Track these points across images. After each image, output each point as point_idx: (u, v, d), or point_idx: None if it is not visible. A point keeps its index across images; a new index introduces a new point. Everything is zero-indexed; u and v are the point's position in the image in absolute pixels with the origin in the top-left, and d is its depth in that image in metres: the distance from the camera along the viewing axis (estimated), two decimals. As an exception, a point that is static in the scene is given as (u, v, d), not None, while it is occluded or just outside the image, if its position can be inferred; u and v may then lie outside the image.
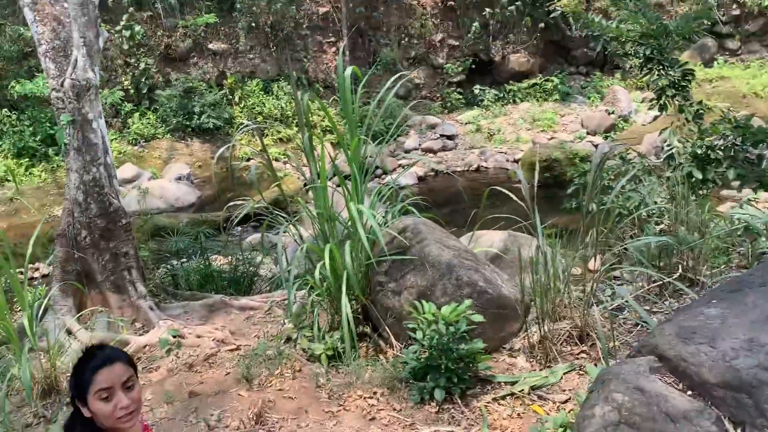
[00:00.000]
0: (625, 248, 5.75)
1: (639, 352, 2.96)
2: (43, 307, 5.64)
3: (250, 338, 5.99)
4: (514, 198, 5.17)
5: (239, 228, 12.88)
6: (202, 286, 7.80)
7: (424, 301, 4.56)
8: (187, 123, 16.22)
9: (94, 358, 1.95)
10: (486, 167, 15.70)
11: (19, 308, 6.33)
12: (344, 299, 5.00)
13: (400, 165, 15.08)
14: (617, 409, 2.65)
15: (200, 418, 4.43)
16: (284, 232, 5.67)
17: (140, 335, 6.19)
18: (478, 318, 4.40)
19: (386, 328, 5.21)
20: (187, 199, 13.90)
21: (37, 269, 10.33)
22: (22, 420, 4.54)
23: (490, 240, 7.29)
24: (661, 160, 7.30)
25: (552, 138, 16.68)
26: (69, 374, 4.94)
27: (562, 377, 4.46)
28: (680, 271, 5.49)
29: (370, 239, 5.27)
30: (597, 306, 4.77)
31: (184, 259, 8.35)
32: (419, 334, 4.52)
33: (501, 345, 4.97)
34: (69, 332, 6.00)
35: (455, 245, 5.29)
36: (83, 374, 1.93)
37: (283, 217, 6.00)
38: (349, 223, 5.31)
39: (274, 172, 6.10)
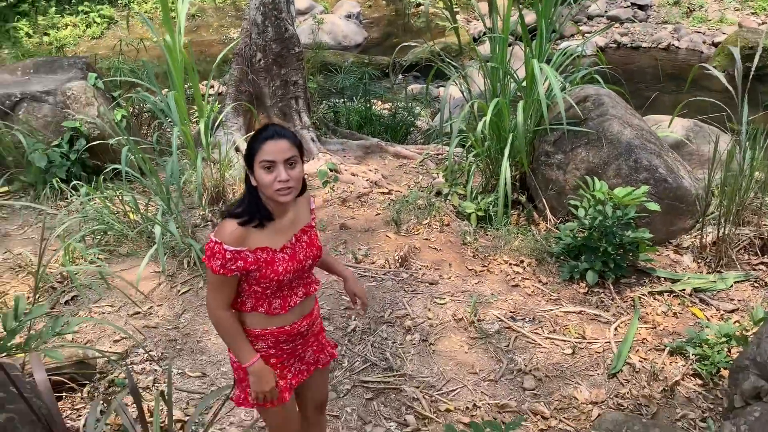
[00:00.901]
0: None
1: None
2: (217, 122, 5.93)
3: (401, 185, 6.01)
4: (724, 82, 4.48)
5: (401, 76, 12.71)
6: (361, 128, 7.85)
7: (596, 178, 4.23)
8: (363, -41, 15.70)
9: (266, 131, 2.00)
10: (677, 47, 14.01)
11: (195, 119, 6.73)
12: (505, 162, 4.77)
13: (579, 32, 13.87)
14: (814, 333, 2.32)
15: (349, 250, 4.57)
16: (452, 84, 5.40)
17: (299, 163, 6.41)
18: (654, 207, 4.03)
19: (543, 200, 4.97)
20: (355, 39, 13.80)
21: (212, 86, 10.89)
22: (192, 220, 4.93)
23: (671, 127, 6.59)
24: None
25: (763, 23, 14.42)
26: (235, 186, 5.29)
27: (732, 285, 4.07)
28: None
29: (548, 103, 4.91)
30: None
31: (347, 98, 8.39)
32: (581, 212, 4.26)
33: (667, 239, 4.59)
34: (237, 149, 6.33)
35: (639, 124, 4.79)
36: (254, 143, 2.00)
37: (454, 66, 5.71)
38: (524, 82, 4.93)
39: (453, 14, 5.69)
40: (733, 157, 4.36)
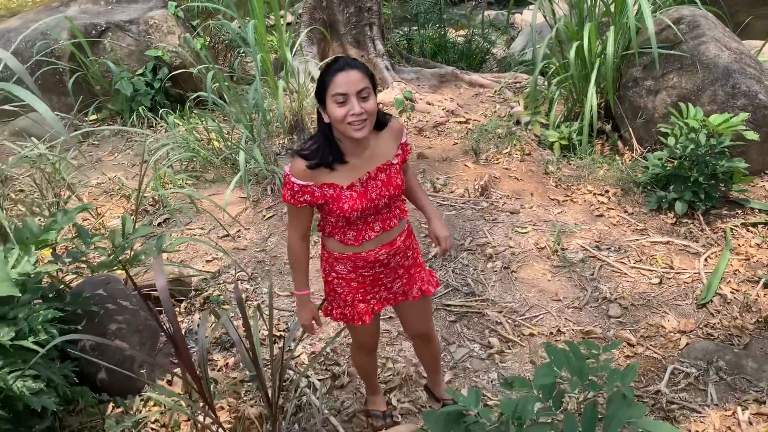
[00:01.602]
0: None
1: None
2: (293, 51, 5.92)
3: (477, 115, 5.91)
4: None
5: (474, 1, 12.30)
6: (435, 55, 7.71)
7: (689, 105, 4.03)
8: None
9: (336, 63, 1.95)
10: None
11: (270, 48, 6.74)
12: (591, 89, 4.60)
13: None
14: None
15: (427, 179, 4.57)
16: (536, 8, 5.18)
17: (374, 92, 6.37)
18: (752, 135, 3.82)
19: (629, 128, 4.79)
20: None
21: (282, 17, 10.85)
22: (273, 148, 5.02)
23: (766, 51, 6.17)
24: None
25: None
26: (313, 114, 5.33)
27: (833, 218, 3.87)
28: None
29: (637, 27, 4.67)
30: None
31: (421, 25, 8.20)
32: (671, 140, 4.09)
33: (763, 170, 4.37)
34: (312, 78, 6.33)
35: (737, 48, 4.50)
36: (325, 76, 1.96)
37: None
38: (612, 3, 4.68)
39: None
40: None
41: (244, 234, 4.12)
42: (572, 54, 4.61)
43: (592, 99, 4.59)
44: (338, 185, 2.03)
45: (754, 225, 3.92)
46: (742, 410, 2.67)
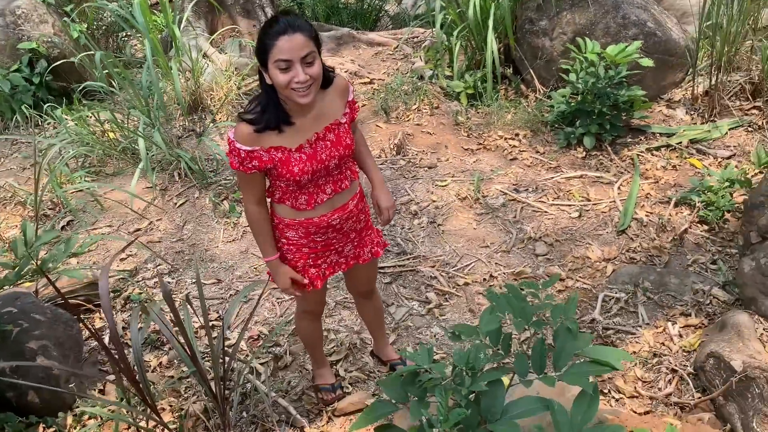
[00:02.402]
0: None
1: None
2: (180, 28, 5.61)
3: (380, 74, 5.83)
4: None
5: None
6: (328, 18, 7.53)
7: (586, 39, 4.12)
8: None
9: (277, 24, 1.80)
10: None
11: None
12: (490, 34, 4.62)
13: None
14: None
15: (340, 145, 4.48)
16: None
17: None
18: (648, 62, 3.96)
19: (530, 70, 4.86)
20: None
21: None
22: (173, 131, 4.76)
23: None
24: None
25: None
26: (212, 92, 5.08)
27: (727, 133, 4.10)
28: None
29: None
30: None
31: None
32: (572, 77, 4.18)
33: (659, 95, 4.56)
34: (204, 55, 6.04)
35: (623, -20, 4.62)
36: (265, 39, 1.82)
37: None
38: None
39: None
40: (719, 4, 4.27)
41: (157, 225, 3.90)
42: (471, 4, 4.59)
43: (492, 45, 4.61)
44: (286, 148, 1.95)
45: (657, 149, 4.09)
46: (672, 325, 2.80)
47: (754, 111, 4.24)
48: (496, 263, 3.33)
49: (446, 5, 5.08)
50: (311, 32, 1.83)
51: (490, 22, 4.63)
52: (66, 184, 4.20)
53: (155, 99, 4.41)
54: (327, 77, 1.98)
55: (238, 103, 5.09)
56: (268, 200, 2.14)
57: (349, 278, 2.45)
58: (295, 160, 1.97)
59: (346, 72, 5.75)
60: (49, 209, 4.07)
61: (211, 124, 4.75)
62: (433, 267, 3.33)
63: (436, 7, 4.80)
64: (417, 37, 6.59)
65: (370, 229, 2.31)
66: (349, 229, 2.19)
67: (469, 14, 4.68)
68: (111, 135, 4.54)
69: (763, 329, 2.38)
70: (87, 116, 4.79)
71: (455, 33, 5.02)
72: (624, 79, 4.06)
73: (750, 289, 2.48)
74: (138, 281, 3.46)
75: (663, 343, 2.70)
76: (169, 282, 3.44)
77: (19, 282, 2.60)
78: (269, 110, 1.92)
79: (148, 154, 4.10)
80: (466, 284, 3.21)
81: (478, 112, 4.69)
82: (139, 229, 3.86)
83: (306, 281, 2.17)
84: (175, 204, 4.05)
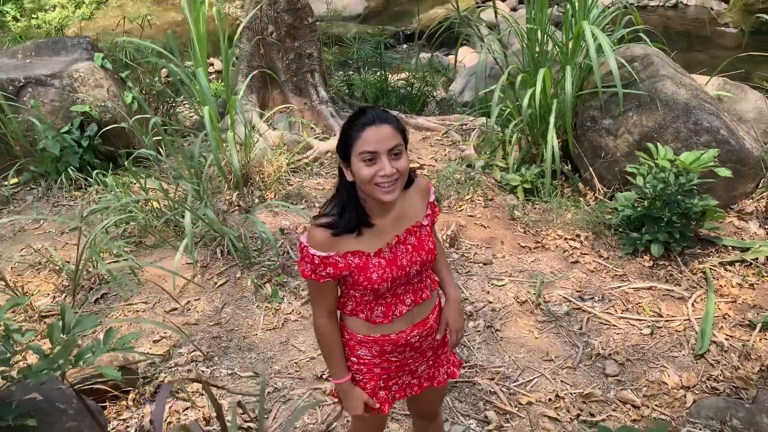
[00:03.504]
0: None
1: None
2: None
3: (428, 159, 5.70)
4: None
5: (405, 45, 12.33)
6: (377, 100, 7.51)
7: (659, 144, 3.94)
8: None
9: (364, 115, 1.68)
10: (686, 4, 13.65)
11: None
12: (551, 130, 4.47)
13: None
14: None
15: (390, 232, 4.29)
16: (487, 50, 5.06)
17: (320, 140, 6.09)
18: (725, 172, 3.74)
19: (590, 168, 4.68)
20: (355, 9, 13.34)
21: (212, 65, 10.49)
22: (219, 206, 4.63)
23: (706, 86, 6.30)
24: None
25: (773, -23, 14.03)
26: (262, 168, 4.97)
27: (807, 252, 3.82)
28: None
29: (588, 66, 4.61)
30: None
31: (360, 70, 8.04)
32: (639, 180, 3.98)
33: (728, 205, 4.32)
34: (254, 128, 6.00)
35: (691, 84, 4.49)
36: (350, 131, 1.68)
37: (477, 34, 5.39)
38: (569, 44, 4.61)
39: None
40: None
41: (195, 306, 3.69)
42: (526, 100, 4.47)
43: (552, 140, 4.45)
44: (364, 252, 1.76)
45: (731, 263, 3.82)
46: (769, 475, 2.46)
47: (836, 230, 3.98)
48: (561, 381, 3.03)
49: (503, 96, 4.98)
50: (399, 125, 1.69)
51: (551, 118, 4.49)
52: (104, 253, 4.03)
53: (204, 171, 4.30)
54: (409, 176, 1.81)
55: (286, 180, 4.96)
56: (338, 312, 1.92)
57: (417, 401, 2.18)
58: (374, 266, 1.77)
59: (395, 155, 5.63)
60: (85, 279, 3.89)
61: (258, 202, 4.61)
62: (492, 380, 3.04)
63: (494, 98, 4.69)
64: (465, 125, 6.51)
65: (446, 345, 2.06)
66: (426, 347, 1.95)
67: (524, 108, 4.55)
68: (155, 204, 4.41)
69: None
70: (131, 183, 4.69)
71: (511, 125, 4.89)
72: (694, 187, 3.85)
73: None
74: (171, 367, 3.21)
75: (764, 500, 2.36)
76: (202, 372, 3.20)
77: (59, 372, 2.37)
78: (348, 210, 1.74)
79: (193, 228, 3.94)
80: (530, 403, 2.90)
81: (535, 208, 4.49)
82: (175, 309, 3.65)
83: (377, 406, 1.92)
84: (215, 283, 3.85)
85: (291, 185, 4.99)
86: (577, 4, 4.53)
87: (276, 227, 4.36)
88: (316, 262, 1.74)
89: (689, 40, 11.72)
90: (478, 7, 12.83)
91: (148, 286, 3.81)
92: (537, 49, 4.72)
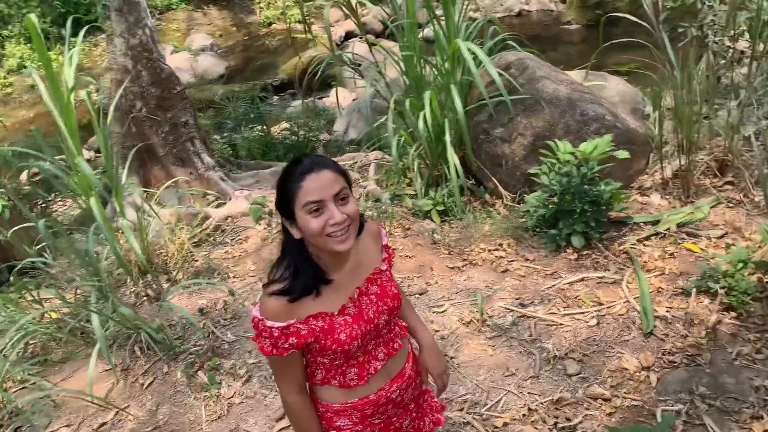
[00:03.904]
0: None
1: None
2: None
3: (331, 203, 5.59)
4: (634, 19, 4.40)
5: (276, 97, 12.27)
6: (264, 155, 7.35)
7: (556, 141, 4.04)
8: (202, -11, 15.05)
9: (300, 164, 1.54)
10: (529, 10, 14.55)
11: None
12: (450, 149, 4.50)
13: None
14: None
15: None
16: (370, 86, 5.06)
17: (215, 207, 5.82)
18: (623, 154, 3.90)
19: (492, 178, 4.75)
20: (216, 71, 13.13)
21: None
22: (125, 300, 4.26)
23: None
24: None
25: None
26: (159, 250, 4.65)
27: (709, 212, 4.03)
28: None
29: (465, 82, 4.71)
30: (738, 132, 4.23)
31: (240, 129, 7.86)
32: (545, 179, 4.07)
33: (628, 185, 4.51)
34: (140, 210, 5.64)
35: (567, 79, 4.70)
36: (288, 183, 1.53)
37: (355, 70, 5.41)
38: (445, 64, 4.69)
39: (309, 25, 5.33)
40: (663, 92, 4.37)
41: (125, 416, 3.32)
42: (421, 123, 4.49)
43: (453, 159, 4.48)
44: (327, 313, 1.60)
45: (647, 238, 3.96)
46: (750, 433, 2.50)
47: (728, 186, 4.23)
48: (528, 393, 2.97)
49: (396, 127, 4.98)
50: (338, 168, 1.57)
51: (447, 138, 4.52)
52: (7, 381, 3.58)
53: (102, 266, 3.94)
54: (359, 222, 1.69)
55: (191, 257, 4.67)
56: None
57: None
58: (340, 326, 1.62)
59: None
60: (-11, 417, 3.42)
61: (169, 286, 4.29)
62: (461, 410, 2.92)
63: (389, 129, 4.67)
64: (358, 162, 6.47)
65: (426, 392, 1.93)
66: (408, 400, 1.81)
67: (420, 131, 4.56)
68: (53, 314, 3.99)
69: None
70: (20, 299, 4.23)
71: (411, 152, 4.89)
72: (596, 175, 3.97)
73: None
74: (114, 491, 2.85)
75: (755, 459, 2.38)
76: (153, 485, 2.86)
77: None
78: (303, 271, 1.59)
79: (104, 330, 3.57)
80: (505, 424, 2.81)
81: (452, 228, 4.48)
82: (104, 424, 3.27)
83: None
84: (142, 385, 3.50)
85: (197, 261, 4.70)
86: (446, 25, 4.63)
87: (194, 308, 4.07)
88: (276, 334, 1.57)
89: (541, 42, 12.41)
90: (339, 46, 13.04)
91: (68, 406, 3.41)
92: (417, 73, 4.77)
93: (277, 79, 12.66)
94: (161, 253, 4.61)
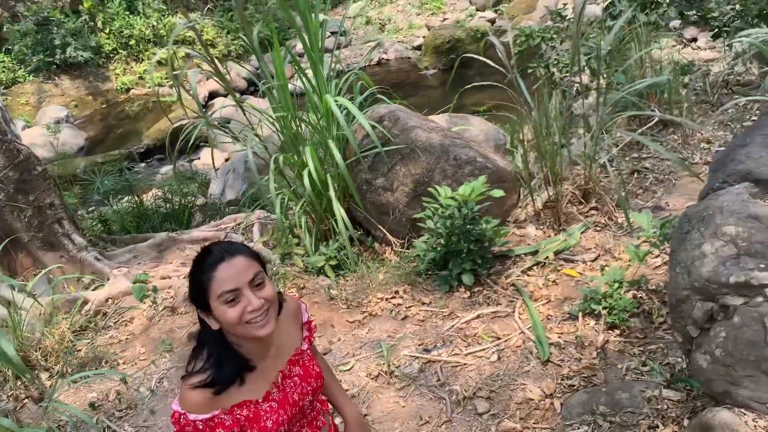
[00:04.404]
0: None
1: (725, 182, 2.80)
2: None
3: (218, 269, 5.45)
4: (487, 61, 4.72)
5: (142, 164, 11.88)
6: (138, 228, 7.04)
7: (437, 186, 4.21)
8: (51, 59, 14.32)
9: (210, 254, 1.52)
10: (387, 59, 15.16)
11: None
12: (335, 203, 4.56)
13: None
14: (732, 242, 2.49)
15: (214, 359, 3.96)
16: (250, 148, 5.03)
17: (93, 290, 5.48)
18: (499, 193, 4.14)
19: (380, 227, 4.86)
20: (75, 143, 12.46)
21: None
22: (1, 406, 3.88)
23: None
24: (602, 9, 7.17)
25: (444, 20, 16.28)
26: (36, 346, 4.29)
27: (580, 237, 4.35)
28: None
29: (343, 136, 4.82)
30: (595, 161, 4.63)
31: (105, 202, 7.50)
32: (430, 223, 4.22)
33: (504, 219, 4.77)
34: (9, 304, 5.20)
35: (437, 127, 4.94)
36: (200, 275, 1.51)
37: (230, 133, 5.39)
38: (320, 120, 4.78)
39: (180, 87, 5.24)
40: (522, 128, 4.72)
41: None
42: (306, 180, 4.52)
43: (340, 212, 4.54)
44: (251, 401, 1.57)
45: (530, 268, 4.20)
46: (650, 443, 2.69)
47: (593, 211, 4.60)
48: (445, 438, 3.02)
49: (278, 185, 4.98)
50: (251, 252, 1.58)
51: (331, 192, 4.59)
52: None
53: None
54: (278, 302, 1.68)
55: (74, 348, 4.35)
56: None
57: None
58: (266, 412, 1.60)
59: (184, 277, 5.29)
60: None
61: (52, 383, 3.96)
62: (382, 468, 2.92)
63: (271, 189, 4.66)
64: (242, 224, 6.37)
65: None
66: None
67: (307, 187, 4.59)
68: None
69: (752, 420, 2.35)
70: None
71: (296, 210, 4.90)
72: (476, 214, 4.18)
73: (718, 384, 2.47)
74: None
75: (659, 467, 2.56)
76: None
77: None
78: (224, 361, 1.55)
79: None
80: (429, 475, 2.84)
81: (348, 281, 4.51)
82: None
83: None
84: (34, 500, 3.19)
85: (80, 351, 4.39)
86: (315, 82, 4.73)
87: (83, 404, 3.79)
88: (201, 427, 1.52)
89: (403, 88, 12.96)
90: (204, 106, 12.86)
91: None
92: (293, 131, 4.82)
93: (142, 145, 12.27)
94: (39, 347, 4.26)
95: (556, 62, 7.01)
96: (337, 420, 2.02)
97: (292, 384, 1.65)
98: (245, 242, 5.70)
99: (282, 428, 1.59)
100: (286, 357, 1.68)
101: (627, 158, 5.28)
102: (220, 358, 1.54)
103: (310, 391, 1.68)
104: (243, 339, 1.55)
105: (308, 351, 1.75)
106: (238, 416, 1.54)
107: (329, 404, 1.93)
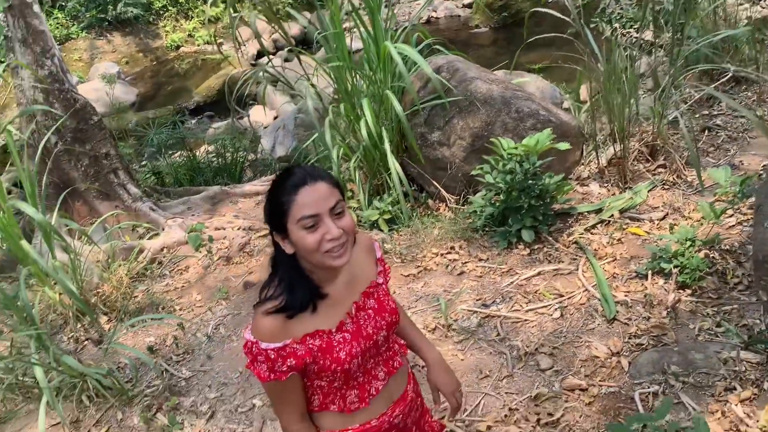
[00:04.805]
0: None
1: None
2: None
3: (270, 222, 5.44)
4: (557, 14, 4.49)
5: (193, 120, 11.94)
6: (192, 180, 7.08)
7: (500, 139, 4.07)
8: (103, 16, 14.44)
9: (293, 175, 1.45)
10: (437, 17, 14.81)
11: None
12: (391, 156, 4.46)
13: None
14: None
15: (269, 308, 3.96)
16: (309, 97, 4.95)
17: (149, 239, 5.54)
18: (565, 146, 3.97)
19: (434, 182, 4.74)
20: (127, 99, 12.57)
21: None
22: (64, 347, 3.96)
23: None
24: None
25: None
26: (96, 290, 4.36)
27: (648, 195, 4.17)
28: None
29: (400, 87, 4.69)
30: (664, 117, 4.40)
31: (157, 155, 7.55)
32: (489, 178, 4.09)
33: (566, 176, 4.59)
34: (68, 251, 5.30)
35: (498, 78, 4.76)
36: (280, 196, 1.44)
37: (287, 84, 5.30)
38: (378, 70, 4.65)
39: (219, 45, 5.18)
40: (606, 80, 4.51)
41: (82, 472, 3.08)
42: (364, 131, 4.43)
43: (395, 166, 4.44)
44: (324, 330, 1.51)
45: (593, 227, 4.05)
46: (725, 405, 2.56)
47: (661, 169, 4.39)
48: (506, 393, 2.95)
49: (333, 141, 4.90)
50: (333, 179, 1.49)
51: (387, 146, 4.49)
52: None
53: (36, 313, 3.65)
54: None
55: (131, 294, 4.40)
56: None
57: None
58: (339, 343, 1.53)
59: (239, 229, 5.30)
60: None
61: (111, 327, 4.02)
62: (443, 419, 2.86)
63: (328, 142, 4.57)
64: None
65: (426, 413, 1.87)
66: (411, 424, 1.74)
67: (366, 138, 4.49)
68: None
69: None
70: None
71: (351, 164, 4.82)
72: (538, 169, 4.03)
73: (808, 344, 2.33)
74: None
75: (738, 430, 2.44)
76: None
77: None
78: (298, 287, 1.49)
79: (49, 383, 3.30)
80: (489, 428, 2.78)
81: (402, 235, 4.43)
82: (60, 487, 3.01)
83: None
84: (97, 436, 3.26)
85: (137, 297, 4.45)
86: (373, 31, 4.60)
87: (142, 347, 3.83)
88: (273, 357, 1.47)
89: (453, 46, 12.68)
90: (253, 65, 12.82)
91: (14, 472, 3.12)
92: (349, 83, 4.71)
93: (192, 102, 12.32)
94: (98, 293, 4.33)
95: (619, 17, 6.70)
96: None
97: (365, 316, 1.59)
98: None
99: (355, 360, 1.53)
100: (361, 289, 1.61)
101: (697, 115, 5.02)
102: (292, 282, 1.49)
103: (385, 326, 1.61)
104: (316, 267, 1.49)
105: (384, 286, 1.68)
106: (310, 346, 1.49)
107: (411, 349, 1.86)
